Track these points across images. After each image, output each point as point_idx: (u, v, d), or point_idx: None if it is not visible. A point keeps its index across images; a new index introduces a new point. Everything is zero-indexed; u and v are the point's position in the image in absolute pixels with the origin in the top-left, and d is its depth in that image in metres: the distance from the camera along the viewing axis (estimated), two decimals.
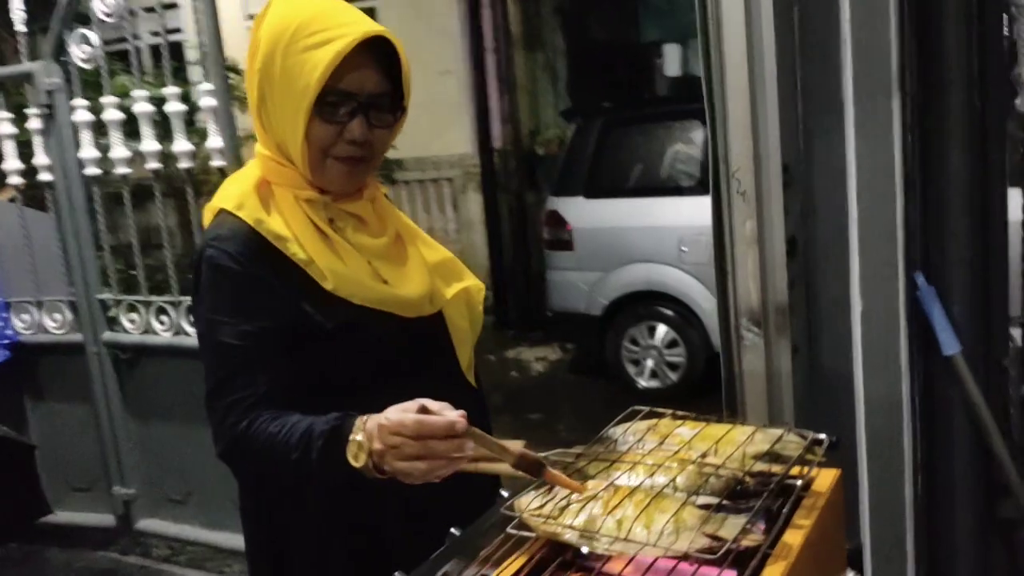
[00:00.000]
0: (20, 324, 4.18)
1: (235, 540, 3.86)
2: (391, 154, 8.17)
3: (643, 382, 6.53)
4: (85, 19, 3.75)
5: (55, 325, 4.13)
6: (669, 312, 6.33)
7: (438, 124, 9.39)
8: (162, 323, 3.81)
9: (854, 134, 1.90)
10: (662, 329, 6.40)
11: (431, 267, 1.66)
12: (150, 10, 3.87)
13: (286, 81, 1.47)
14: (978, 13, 1.92)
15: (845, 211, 1.93)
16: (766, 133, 1.86)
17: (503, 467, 1.34)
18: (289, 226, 1.52)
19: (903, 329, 1.94)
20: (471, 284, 1.73)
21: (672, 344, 6.37)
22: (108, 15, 3.61)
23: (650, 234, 6.29)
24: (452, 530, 1.43)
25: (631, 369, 6.58)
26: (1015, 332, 2.15)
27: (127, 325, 3.92)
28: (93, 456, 4.16)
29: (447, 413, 1.28)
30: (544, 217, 6.82)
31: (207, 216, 1.61)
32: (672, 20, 9.10)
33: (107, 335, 3.99)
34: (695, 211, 6.10)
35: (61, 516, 4.22)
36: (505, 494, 1.56)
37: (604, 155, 6.61)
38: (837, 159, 1.92)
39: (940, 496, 2.07)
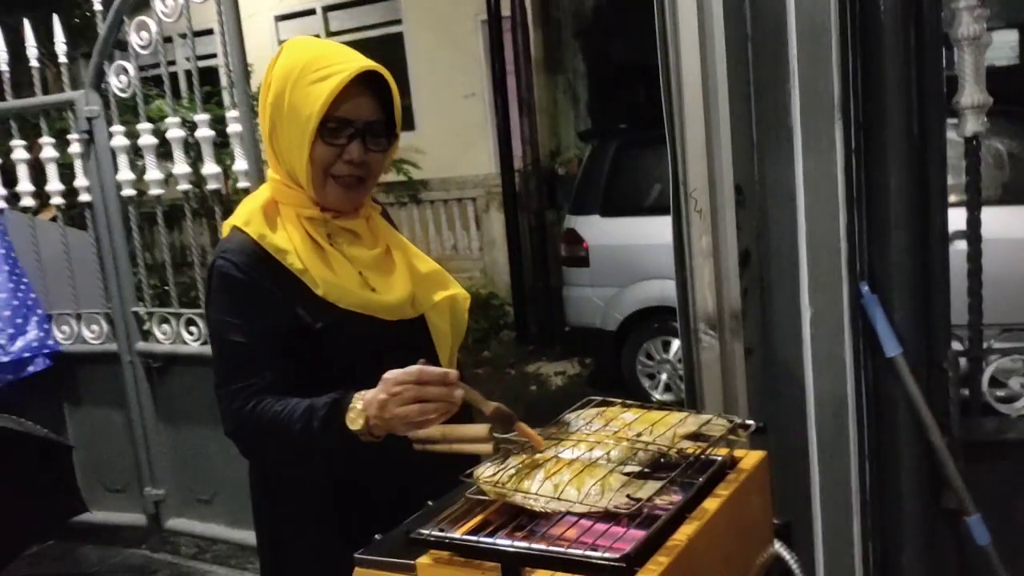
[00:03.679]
0: (60, 335, 4.47)
1: None
2: (417, 174, 8.45)
3: (657, 395, 6.70)
4: (123, 46, 4.04)
5: (92, 336, 4.42)
6: None
7: (463, 145, 9.69)
8: (191, 333, 4.08)
9: (801, 157, 2.11)
10: (676, 344, 6.57)
11: (420, 276, 1.89)
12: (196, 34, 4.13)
13: (293, 112, 1.72)
14: (917, 48, 2.12)
15: (795, 226, 2.14)
16: (720, 157, 2.07)
17: (480, 447, 1.56)
18: (290, 240, 1.76)
19: (847, 332, 2.14)
20: (457, 293, 1.95)
21: None
22: (143, 47, 3.90)
23: (664, 251, 6.38)
24: (429, 502, 1.65)
25: (646, 383, 6.74)
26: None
27: (159, 336, 4.20)
28: (126, 459, 4.44)
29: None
30: (561, 235, 7.03)
31: (224, 231, 1.87)
32: None
33: (140, 345, 4.27)
34: None
35: (96, 516, 4.49)
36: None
37: (619, 175, 6.80)
38: (787, 179, 2.14)
39: (888, 486, 2.27)
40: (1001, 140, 5.21)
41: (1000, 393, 2.37)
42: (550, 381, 7.50)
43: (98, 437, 4.54)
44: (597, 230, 6.77)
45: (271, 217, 1.80)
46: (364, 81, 1.73)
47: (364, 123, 1.75)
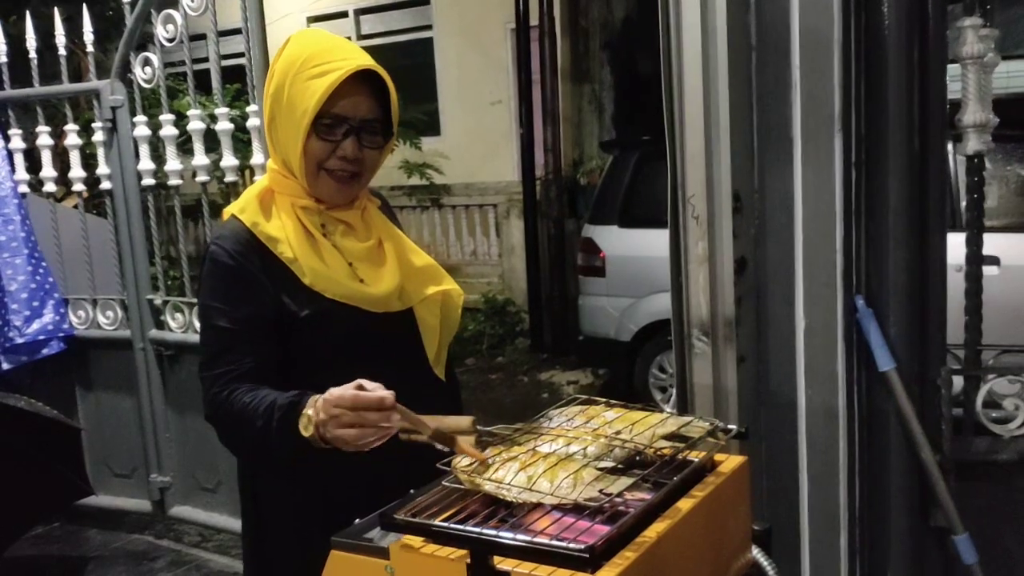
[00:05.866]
0: (76, 319, 4.54)
1: None
2: (440, 179, 8.50)
3: (668, 409, 6.67)
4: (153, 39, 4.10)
5: (107, 322, 4.48)
6: None
7: (487, 151, 9.74)
8: None
9: (801, 168, 2.13)
10: None
11: (413, 270, 1.90)
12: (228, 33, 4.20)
13: (291, 105, 1.75)
14: (920, 65, 2.13)
15: (792, 236, 2.15)
16: (719, 164, 2.09)
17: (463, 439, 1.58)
18: (283, 228, 1.79)
19: (840, 345, 2.15)
20: (451, 288, 1.96)
21: None
22: (169, 40, 3.96)
23: None
24: (411, 491, 1.66)
25: (658, 396, 6.73)
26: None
27: (172, 324, 4.25)
28: (134, 444, 4.49)
29: (379, 391, 1.52)
30: (579, 244, 7.04)
31: (224, 218, 1.90)
32: None
33: (153, 333, 4.33)
34: None
35: (102, 500, 4.54)
36: None
37: (639, 186, 6.78)
38: (786, 189, 2.15)
39: (877, 501, 2.27)
40: None
41: (995, 414, 2.37)
42: (562, 390, 7.49)
43: (107, 422, 4.59)
44: (615, 240, 6.76)
45: (266, 206, 1.83)
46: (364, 79, 1.76)
47: (360, 121, 1.77)
